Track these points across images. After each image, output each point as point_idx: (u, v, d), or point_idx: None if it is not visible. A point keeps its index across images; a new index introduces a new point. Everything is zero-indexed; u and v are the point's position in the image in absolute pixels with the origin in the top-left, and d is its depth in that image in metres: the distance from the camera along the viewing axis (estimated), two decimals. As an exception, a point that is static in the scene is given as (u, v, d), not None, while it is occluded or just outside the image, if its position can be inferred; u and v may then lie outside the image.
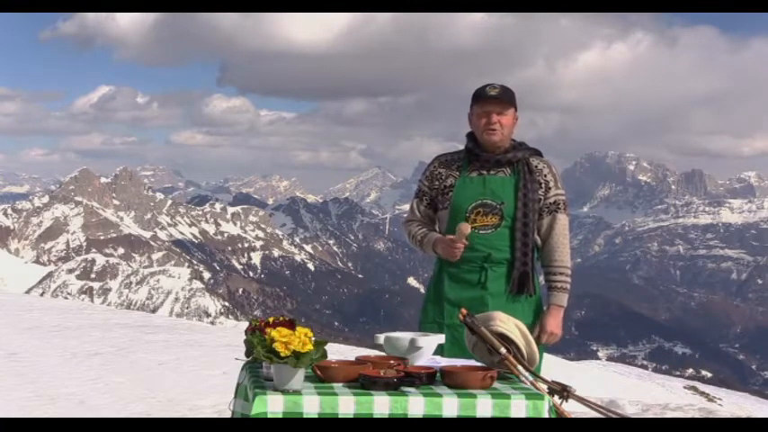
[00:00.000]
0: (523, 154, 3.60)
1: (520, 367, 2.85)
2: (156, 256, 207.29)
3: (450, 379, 2.64)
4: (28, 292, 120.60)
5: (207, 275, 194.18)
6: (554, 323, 3.59)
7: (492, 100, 3.53)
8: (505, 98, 3.55)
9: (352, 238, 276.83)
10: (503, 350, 2.87)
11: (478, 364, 2.91)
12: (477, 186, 3.57)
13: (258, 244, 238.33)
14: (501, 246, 3.54)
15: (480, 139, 3.59)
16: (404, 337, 2.99)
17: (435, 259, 3.69)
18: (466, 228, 3.47)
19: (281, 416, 2.44)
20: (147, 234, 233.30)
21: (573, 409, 3.13)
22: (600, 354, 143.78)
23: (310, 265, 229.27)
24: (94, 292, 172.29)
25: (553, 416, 2.60)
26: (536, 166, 3.60)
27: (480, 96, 3.56)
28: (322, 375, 2.62)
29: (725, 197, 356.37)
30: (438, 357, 3.15)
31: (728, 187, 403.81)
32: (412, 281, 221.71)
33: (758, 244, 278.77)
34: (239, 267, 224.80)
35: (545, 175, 3.61)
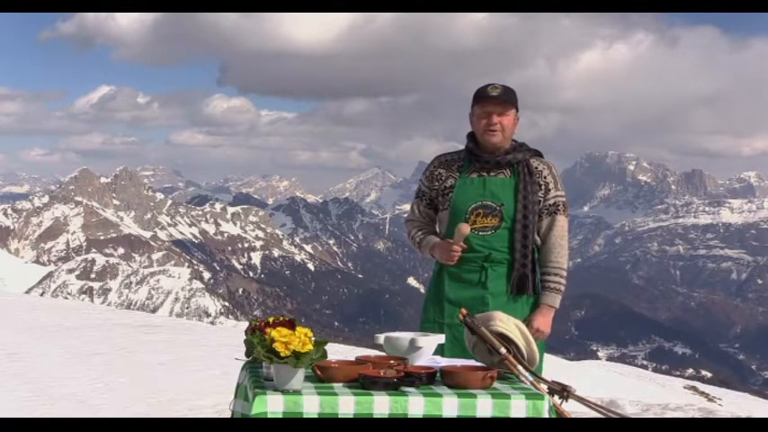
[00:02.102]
0: (524, 155, 3.60)
1: (520, 367, 2.86)
2: (156, 256, 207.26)
3: (451, 379, 2.64)
4: (28, 292, 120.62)
5: (207, 275, 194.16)
6: (542, 321, 3.59)
7: (493, 100, 3.52)
8: (507, 98, 3.54)
9: (352, 238, 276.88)
10: (503, 350, 2.88)
11: (478, 364, 2.92)
12: (477, 188, 3.57)
13: (258, 244, 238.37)
14: (500, 247, 3.55)
15: (481, 139, 3.59)
16: (404, 337, 2.99)
17: (436, 260, 3.70)
18: (465, 228, 3.48)
19: (281, 416, 2.44)
20: (147, 234, 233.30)
21: (573, 409, 3.13)
22: (600, 354, 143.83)
23: (310, 265, 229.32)
24: (94, 292, 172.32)
25: (553, 416, 2.60)
26: (536, 168, 3.60)
27: (481, 96, 3.55)
28: (322, 375, 2.63)
29: (725, 197, 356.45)
30: (438, 357, 3.15)
31: (728, 187, 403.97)
32: (412, 281, 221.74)
33: (758, 244, 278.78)
34: (239, 267, 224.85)
35: (545, 177, 3.61)
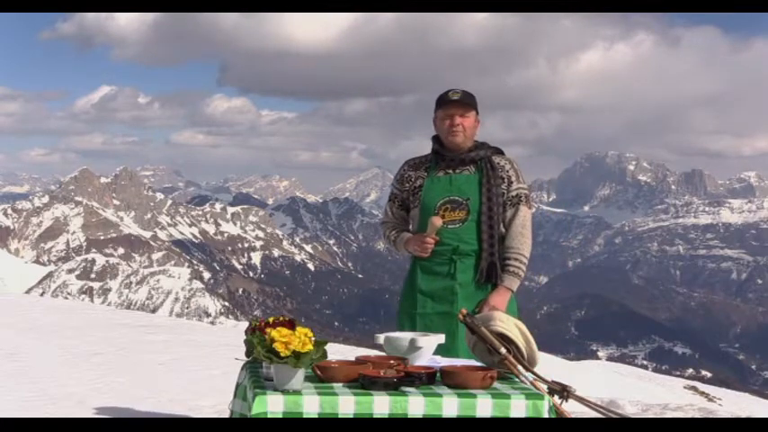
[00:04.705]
0: (485, 152, 3.84)
1: (520, 367, 2.86)
2: (156, 256, 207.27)
3: (450, 379, 2.64)
4: (28, 292, 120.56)
5: (207, 275, 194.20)
6: (498, 299, 3.75)
7: (454, 103, 3.78)
8: (466, 101, 3.81)
9: (352, 238, 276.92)
10: (503, 350, 2.88)
11: (478, 363, 2.92)
12: (444, 185, 3.82)
13: (258, 244, 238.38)
14: (468, 238, 3.76)
15: (445, 141, 3.84)
16: (404, 337, 3.00)
17: (410, 255, 3.92)
18: (437, 221, 3.71)
19: (281, 416, 2.45)
20: (147, 234, 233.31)
21: (573, 409, 3.13)
22: (600, 354, 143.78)
23: (310, 265, 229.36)
24: (94, 292, 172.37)
25: (553, 416, 2.61)
26: (498, 163, 3.85)
27: (443, 101, 3.82)
28: (322, 375, 2.63)
29: (725, 197, 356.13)
30: (438, 357, 3.16)
31: (728, 187, 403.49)
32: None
33: (758, 244, 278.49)
34: (239, 267, 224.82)
35: (507, 171, 3.84)
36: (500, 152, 3.90)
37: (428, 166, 3.89)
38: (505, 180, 3.81)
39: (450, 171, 3.82)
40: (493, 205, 3.75)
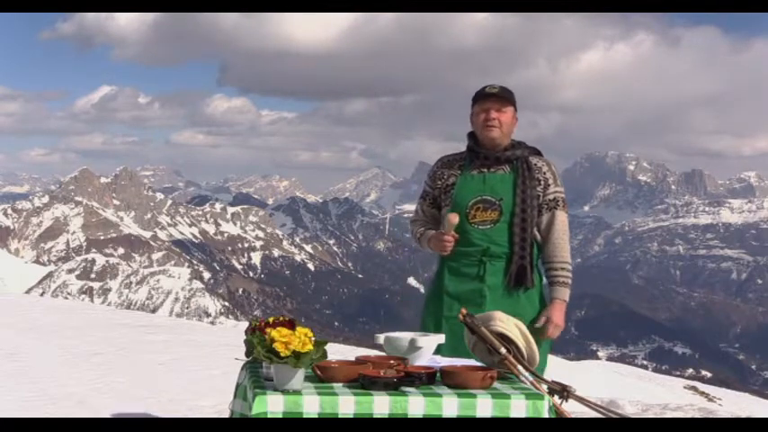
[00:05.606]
0: (522, 152, 3.69)
1: (520, 367, 2.86)
2: (156, 256, 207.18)
3: (450, 379, 2.64)
4: (28, 292, 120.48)
5: (207, 275, 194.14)
6: (558, 316, 3.66)
7: (491, 97, 3.64)
8: (504, 96, 3.66)
9: (352, 238, 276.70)
10: (503, 350, 2.88)
11: (478, 364, 2.92)
12: (477, 183, 3.66)
13: (258, 244, 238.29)
14: (500, 240, 3.61)
15: (480, 136, 3.68)
16: (404, 337, 2.99)
17: (437, 256, 3.76)
18: (454, 218, 3.55)
19: (281, 416, 2.44)
20: (147, 234, 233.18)
21: (573, 409, 3.13)
22: (600, 354, 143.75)
23: (310, 265, 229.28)
24: (94, 292, 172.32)
25: (553, 416, 2.60)
26: (535, 164, 3.68)
27: (480, 95, 3.68)
28: (322, 375, 2.63)
29: (725, 197, 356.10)
30: (438, 357, 3.15)
31: (728, 187, 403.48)
32: (412, 281, 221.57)
33: (758, 244, 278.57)
34: (239, 267, 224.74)
35: (544, 173, 3.69)
36: (538, 153, 3.74)
37: (462, 164, 3.72)
38: (542, 182, 3.66)
39: (485, 170, 3.66)
40: (527, 207, 3.59)
